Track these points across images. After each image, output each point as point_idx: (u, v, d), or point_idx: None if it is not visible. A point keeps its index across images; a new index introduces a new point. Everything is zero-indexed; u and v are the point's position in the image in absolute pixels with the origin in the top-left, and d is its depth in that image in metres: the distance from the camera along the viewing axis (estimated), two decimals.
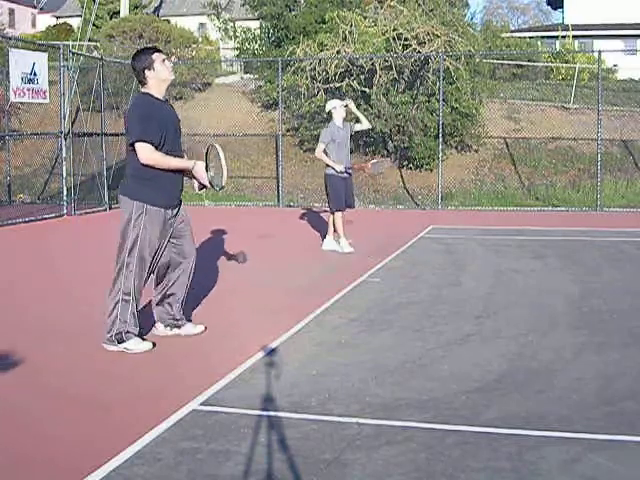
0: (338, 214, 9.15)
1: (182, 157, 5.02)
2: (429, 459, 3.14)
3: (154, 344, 4.94)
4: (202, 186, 5.03)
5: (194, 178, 5.00)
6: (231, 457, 3.18)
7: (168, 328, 5.24)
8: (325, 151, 9.04)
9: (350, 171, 9.23)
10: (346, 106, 9.23)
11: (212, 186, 4.96)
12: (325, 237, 9.39)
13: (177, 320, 5.23)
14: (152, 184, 4.82)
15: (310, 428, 3.50)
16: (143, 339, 4.97)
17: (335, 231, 9.27)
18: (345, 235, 9.22)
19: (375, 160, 9.69)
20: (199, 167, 4.91)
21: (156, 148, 4.77)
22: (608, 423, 3.52)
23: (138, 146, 4.73)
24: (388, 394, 3.98)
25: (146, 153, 4.73)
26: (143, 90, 4.98)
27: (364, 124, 9.29)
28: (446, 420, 3.58)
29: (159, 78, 4.93)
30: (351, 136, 9.35)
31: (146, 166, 4.77)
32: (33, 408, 3.80)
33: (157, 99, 4.97)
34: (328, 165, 9.07)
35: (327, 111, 9.49)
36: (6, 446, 3.31)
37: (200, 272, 7.99)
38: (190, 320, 5.46)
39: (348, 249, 9.10)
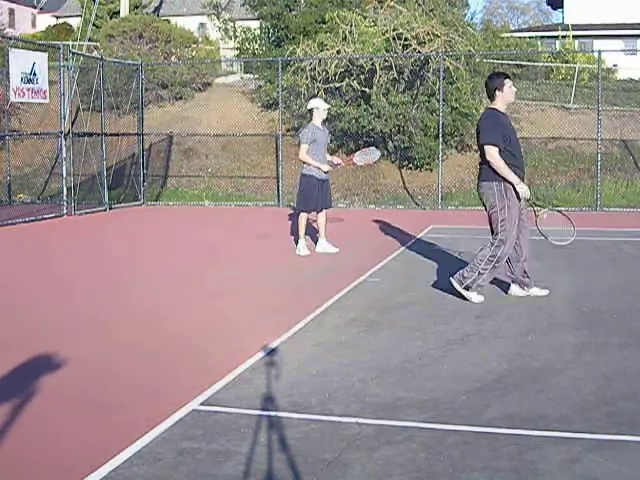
0: (304, 215, 9.03)
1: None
2: (429, 459, 3.14)
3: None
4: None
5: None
6: (231, 457, 3.18)
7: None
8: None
9: (327, 175, 9.15)
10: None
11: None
12: (317, 240, 9.31)
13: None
14: None
15: (310, 428, 3.50)
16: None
17: (311, 232, 9.17)
18: (305, 237, 9.15)
19: (359, 151, 9.56)
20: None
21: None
22: (608, 423, 3.52)
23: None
24: (388, 394, 3.98)
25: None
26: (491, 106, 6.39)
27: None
28: (446, 420, 3.59)
29: (505, 99, 6.35)
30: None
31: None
32: (33, 408, 3.80)
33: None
34: (305, 165, 8.90)
35: (308, 109, 9.31)
36: (6, 446, 3.31)
37: (199, 272, 8.01)
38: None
39: (305, 252, 8.95)
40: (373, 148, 9.38)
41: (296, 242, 9.26)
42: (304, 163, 8.94)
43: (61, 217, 13.40)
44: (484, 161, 6.26)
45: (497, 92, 6.28)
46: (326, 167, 8.92)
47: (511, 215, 6.20)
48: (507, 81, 6.31)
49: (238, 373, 4.34)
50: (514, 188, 6.18)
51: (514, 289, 6.60)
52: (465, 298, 6.30)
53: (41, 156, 17.98)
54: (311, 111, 9.11)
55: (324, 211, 9.11)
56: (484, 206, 6.44)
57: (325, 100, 16.35)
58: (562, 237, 6.92)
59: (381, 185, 16.71)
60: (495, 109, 6.32)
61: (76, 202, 13.96)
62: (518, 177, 6.21)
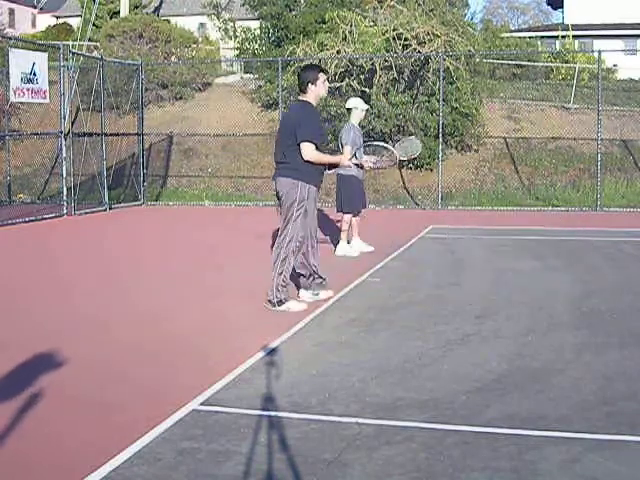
0: (349, 216, 9.05)
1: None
2: (429, 459, 3.14)
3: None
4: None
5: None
6: (231, 457, 3.18)
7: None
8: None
9: (364, 176, 9.15)
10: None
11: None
12: (338, 243, 9.16)
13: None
14: None
15: (310, 428, 3.50)
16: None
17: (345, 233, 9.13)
18: (349, 237, 9.18)
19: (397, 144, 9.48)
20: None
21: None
22: (608, 423, 3.52)
23: None
24: (388, 394, 3.98)
25: None
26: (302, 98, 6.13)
27: None
28: (446, 420, 3.58)
29: (318, 94, 6.11)
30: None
31: None
32: (33, 408, 3.80)
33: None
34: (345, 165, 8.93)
35: (347, 108, 9.34)
36: (6, 446, 3.31)
37: (199, 272, 8.01)
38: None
39: (367, 248, 9.03)
40: (412, 138, 8.40)
41: (336, 244, 9.21)
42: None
43: (61, 217, 13.40)
44: (292, 156, 5.93)
45: (310, 85, 6.02)
46: (369, 164, 8.92)
47: (304, 216, 6.00)
48: (321, 75, 6.08)
49: (238, 373, 4.34)
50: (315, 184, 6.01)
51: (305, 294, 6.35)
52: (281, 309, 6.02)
53: (41, 156, 17.98)
54: (349, 110, 9.11)
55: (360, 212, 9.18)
56: (279, 202, 6.11)
57: (325, 99, 16.40)
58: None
59: (381, 185, 16.71)
60: (310, 103, 6.07)
61: (76, 202, 13.96)
62: (316, 186, 6.05)
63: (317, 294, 6.37)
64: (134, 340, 5.17)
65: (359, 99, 9.54)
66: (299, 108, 6.10)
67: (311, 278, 6.35)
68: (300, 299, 6.28)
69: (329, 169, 6.43)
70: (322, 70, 6.20)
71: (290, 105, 6.24)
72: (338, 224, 9.66)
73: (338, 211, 9.20)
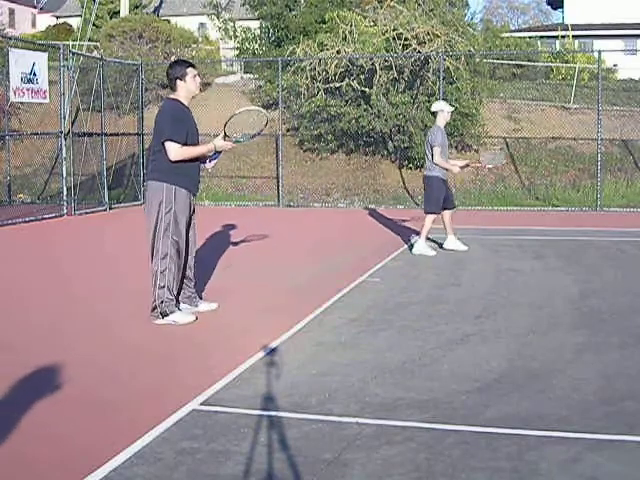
0: (432, 217, 9.11)
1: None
2: (429, 459, 3.14)
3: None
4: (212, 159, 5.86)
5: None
6: (231, 457, 3.18)
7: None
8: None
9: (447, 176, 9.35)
10: None
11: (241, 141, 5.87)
12: (417, 241, 9.25)
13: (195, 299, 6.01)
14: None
15: (310, 428, 3.50)
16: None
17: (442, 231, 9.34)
18: (453, 232, 9.37)
19: (486, 155, 9.80)
20: (218, 141, 5.75)
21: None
22: (608, 423, 3.52)
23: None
24: (388, 394, 3.98)
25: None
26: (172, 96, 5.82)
27: None
28: (446, 420, 3.59)
29: (188, 90, 5.78)
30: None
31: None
32: (33, 408, 3.80)
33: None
34: (430, 166, 9.00)
35: (432, 111, 9.54)
36: (7, 446, 3.31)
37: (199, 272, 8.00)
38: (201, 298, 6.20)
39: (432, 252, 9.09)
40: (499, 151, 8.68)
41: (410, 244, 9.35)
42: (435, 165, 9.02)
43: (61, 217, 13.40)
44: (157, 157, 5.59)
45: (179, 82, 5.69)
46: (457, 169, 9.23)
47: (175, 224, 5.59)
48: (190, 70, 5.72)
49: (238, 373, 4.34)
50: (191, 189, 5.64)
51: (184, 307, 5.91)
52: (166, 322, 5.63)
53: (41, 156, 17.97)
54: (435, 113, 9.33)
55: (450, 211, 9.30)
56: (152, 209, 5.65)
57: (326, 99, 16.42)
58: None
59: (381, 185, 16.71)
60: (177, 100, 5.72)
61: (76, 202, 13.96)
62: (187, 189, 5.64)
63: (196, 305, 5.99)
64: (134, 340, 5.17)
65: (444, 102, 9.81)
66: (164, 106, 5.77)
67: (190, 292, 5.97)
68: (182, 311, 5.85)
69: (208, 162, 5.86)
70: (191, 65, 5.83)
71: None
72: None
73: (425, 212, 9.30)
